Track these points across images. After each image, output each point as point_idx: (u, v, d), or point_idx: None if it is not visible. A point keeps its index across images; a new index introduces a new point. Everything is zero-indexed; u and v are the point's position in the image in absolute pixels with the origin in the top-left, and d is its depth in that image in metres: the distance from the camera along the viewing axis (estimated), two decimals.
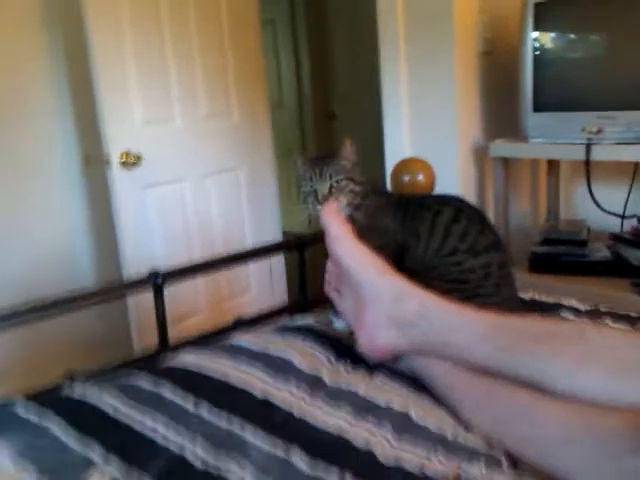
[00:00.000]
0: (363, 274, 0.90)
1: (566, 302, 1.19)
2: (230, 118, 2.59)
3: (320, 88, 4.34)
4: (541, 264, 2.10)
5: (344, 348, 0.98)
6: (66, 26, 2.26)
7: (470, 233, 0.97)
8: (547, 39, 2.02)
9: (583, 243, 2.12)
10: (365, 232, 0.93)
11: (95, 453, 0.74)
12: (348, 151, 1.02)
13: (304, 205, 1.02)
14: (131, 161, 2.16)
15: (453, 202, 1.02)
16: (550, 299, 1.22)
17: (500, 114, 2.27)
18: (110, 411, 0.84)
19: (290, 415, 0.81)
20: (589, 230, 2.19)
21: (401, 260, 0.97)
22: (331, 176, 1.00)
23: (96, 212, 2.40)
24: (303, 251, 1.42)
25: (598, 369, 0.73)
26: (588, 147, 1.89)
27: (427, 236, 0.97)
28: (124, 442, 0.76)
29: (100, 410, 0.84)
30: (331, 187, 0.99)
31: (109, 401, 0.86)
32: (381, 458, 0.72)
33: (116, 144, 2.14)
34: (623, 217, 2.15)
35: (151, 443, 0.76)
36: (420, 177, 1.33)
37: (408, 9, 2.16)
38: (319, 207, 0.98)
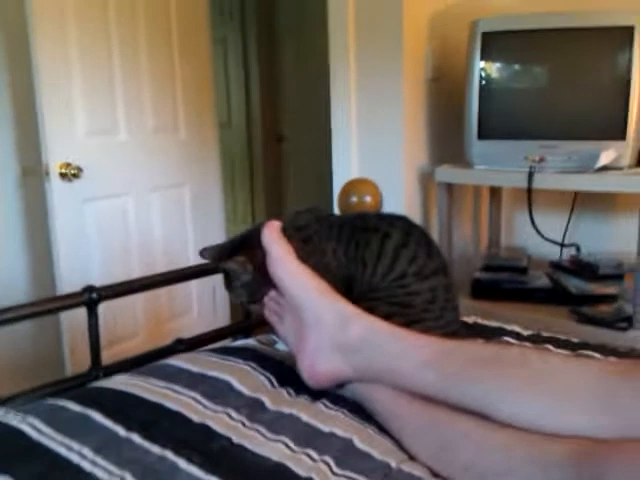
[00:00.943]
0: (305, 297, 0.87)
1: (508, 327, 1.20)
2: (176, 134, 2.55)
3: (269, 110, 4.34)
4: (482, 290, 2.13)
5: (287, 371, 0.95)
6: (8, 31, 2.18)
7: (419, 257, 0.95)
8: (493, 69, 2.07)
9: (523, 270, 2.16)
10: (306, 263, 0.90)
11: None
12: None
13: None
14: (71, 173, 2.08)
15: (400, 224, 0.99)
16: (493, 323, 1.22)
17: (446, 140, 2.31)
18: (33, 434, 0.78)
19: (228, 440, 0.78)
20: (529, 258, 2.24)
21: (349, 290, 0.94)
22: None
23: (33, 226, 2.31)
24: None
25: (541, 395, 0.73)
26: (530, 175, 1.94)
27: (375, 260, 0.94)
28: (48, 468, 0.71)
29: (22, 433, 0.78)
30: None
31: (32, 424, 0.80)
32: None
33: (56, 155, 2.06)
34: (562, 245, 2.21)
35: (77, 469, 0.71)
36: (368, 198, 1.32)
37: (359, 33, 2.18)
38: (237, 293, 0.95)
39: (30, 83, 2.01)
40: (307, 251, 0.92)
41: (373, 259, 0.94)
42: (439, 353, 0.80)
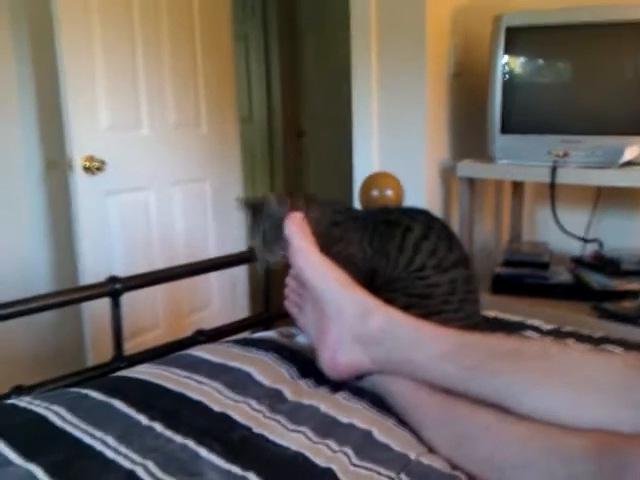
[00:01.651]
0: (326, 289, 0.87)
1: (529, 321, 1.19)
2: (198, 129, 2.56)
3: (290, 105, 4.35)
4: (503, 285, 2.12)
5: (307, 363, 0.95)
6: (33, 27, 2.22)
7: (439, 249, 0.96)
8: (517, 64, 2.06)
9: (545, 265, 2.15)
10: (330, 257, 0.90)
11: (40, 468, 0.69)
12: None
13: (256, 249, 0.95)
14: (95, 166, 2.11)
15: (422, 217, 1.00)
16: (513, 317, 1.22)
17: (468, 135, 2.30)
18: (57, 421, 0.79)
19: (248, 430, 0.78)
20: (551, 253, 2.22)
21: (372, 282, 0.94)
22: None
23: (56, 218, 2.34)
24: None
25: (562, 388, 0.72)
26: (553, 170, 1.92)
27: (397, 253, 0.94)
28: (71, 455, 0.72)
29: (46, 420, 0.80)
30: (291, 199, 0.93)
31: (56, 411, 0.81)
32: (341, 476, 0.69)
33: (80, 149, 2.08)
34: (585, 241, 2.19)
35: (100, 457, 0.72)
36: (389, 192, 1.32)
37: (381, 29, 2.17)
38: (264, 250, 0.93)
39: (54, 78, 2.03)
40: (334, 237, 0.93)
41: (395, 252, 0.94)
42: (458, 346, 0.80)
